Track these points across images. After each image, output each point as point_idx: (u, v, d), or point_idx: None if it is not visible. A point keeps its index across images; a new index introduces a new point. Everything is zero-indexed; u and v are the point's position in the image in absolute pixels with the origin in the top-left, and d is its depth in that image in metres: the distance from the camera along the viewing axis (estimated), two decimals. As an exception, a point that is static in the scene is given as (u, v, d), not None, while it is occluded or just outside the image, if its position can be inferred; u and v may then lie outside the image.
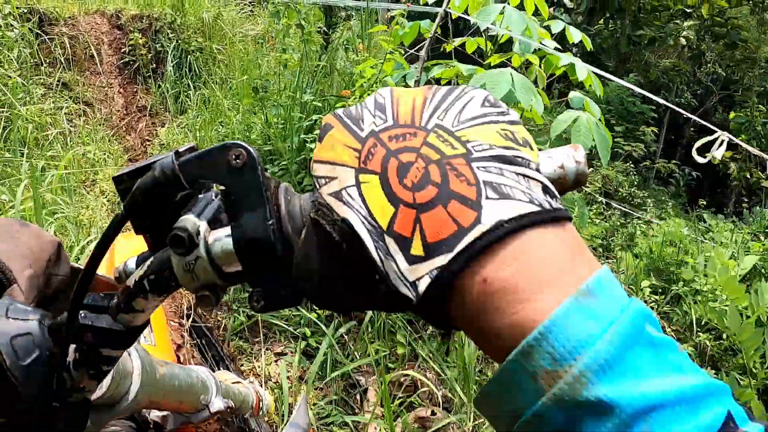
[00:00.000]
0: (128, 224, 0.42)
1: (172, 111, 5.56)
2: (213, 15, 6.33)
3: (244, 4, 7.44)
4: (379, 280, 0.31)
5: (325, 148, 0.34)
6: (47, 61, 5.18)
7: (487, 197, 0.29)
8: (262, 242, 0.36)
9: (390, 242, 0.30)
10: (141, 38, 5.75)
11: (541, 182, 0.31)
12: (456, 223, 0.29)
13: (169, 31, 5.92)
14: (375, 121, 0.33)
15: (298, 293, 0.38)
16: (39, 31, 5.27)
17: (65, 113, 4.77)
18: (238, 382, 0.98)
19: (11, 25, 4.99)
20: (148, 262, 0.42)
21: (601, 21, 9.39)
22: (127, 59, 5.77)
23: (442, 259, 0.29)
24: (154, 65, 5.83)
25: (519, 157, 0.31)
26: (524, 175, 0.30)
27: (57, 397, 0.41)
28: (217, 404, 0.85)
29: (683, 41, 9.05)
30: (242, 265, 0.37)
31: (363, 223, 0.31)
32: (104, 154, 4.46)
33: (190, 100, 5.71)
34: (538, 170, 0.32)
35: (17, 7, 5.08)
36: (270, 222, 0.36)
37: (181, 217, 0.38)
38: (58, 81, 5.10)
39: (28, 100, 4.49)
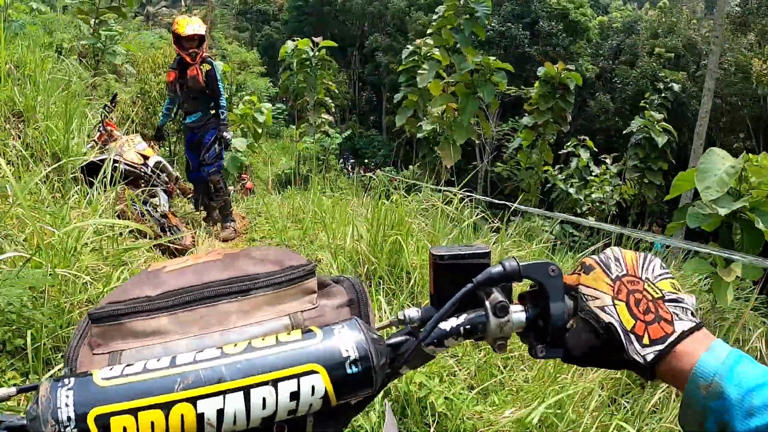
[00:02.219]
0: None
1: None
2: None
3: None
4: (620, 354, 0.62)
5: (590, 279, 0.64)
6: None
7: (677, 319, 0.61)
8: (560, 323, 0.63)
9: (631, 336, 0.61)
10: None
11: (691, 310, 0.63)
12: (664, 332, 0.61)
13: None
14: (617, 270, 0.64)
15: (566, 354, 0.64)
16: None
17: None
18: None
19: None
20: (464, 317, 0.63)
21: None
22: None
23: (659, 347, 0.60)
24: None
25: (681, 298, 0.64)
26: (684, 308, 0.63)
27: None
28: None
29: None
30: (530, 332, 0.65)
31: (618, 325, 0.61)
32: None
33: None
34: (689, 303, 0.64)
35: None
36: (566, 314, 0.64)
37: (494, 295, 0.63)
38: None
39: None
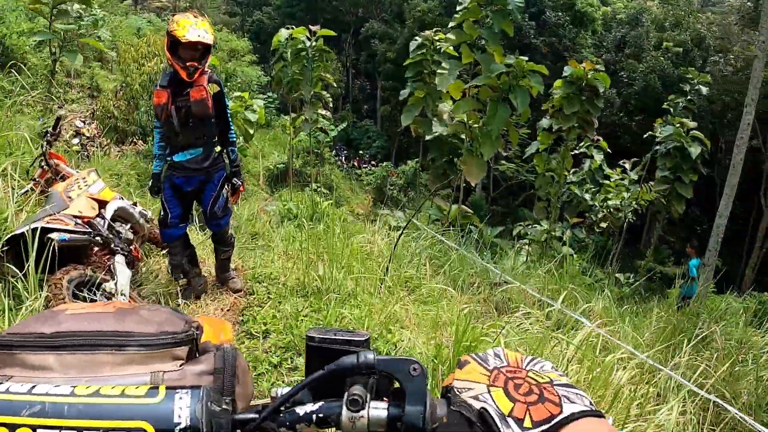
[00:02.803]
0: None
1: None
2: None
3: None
4: None
5: (463, 373, 0.65)
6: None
7: (566, 402, 0.60)
8: (413, 428, 0.59)
9: (508, 420, 0.58)
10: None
11: (589, 399, 0.62)
12: (550, 412, 0.59)
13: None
14: (496, 362, 0.65)
15: None
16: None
17: None
18: None
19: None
20: (320, 404, 0.61)
21: None
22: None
23: (544, 426, 0.57)
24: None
25: (575, 386, 0.63)
26: (578, 394, 0.61)
27: None
28: None
29: None
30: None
31: (492, 410, 0.59)
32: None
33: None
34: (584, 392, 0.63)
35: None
36: (425, 418, 0.59)
37: (355, 387, 0.60)
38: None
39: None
